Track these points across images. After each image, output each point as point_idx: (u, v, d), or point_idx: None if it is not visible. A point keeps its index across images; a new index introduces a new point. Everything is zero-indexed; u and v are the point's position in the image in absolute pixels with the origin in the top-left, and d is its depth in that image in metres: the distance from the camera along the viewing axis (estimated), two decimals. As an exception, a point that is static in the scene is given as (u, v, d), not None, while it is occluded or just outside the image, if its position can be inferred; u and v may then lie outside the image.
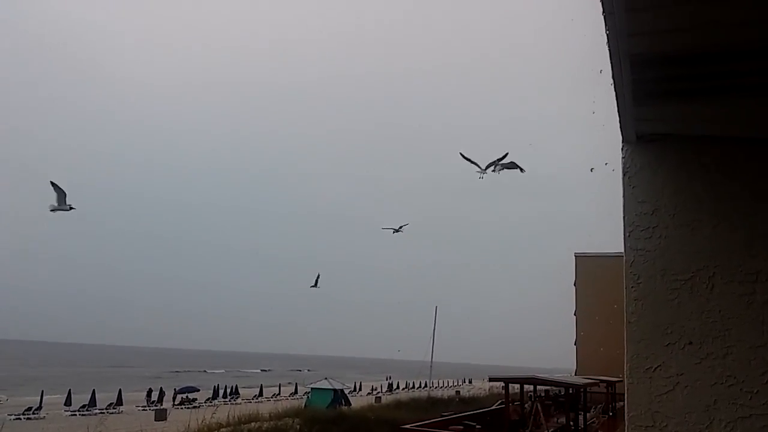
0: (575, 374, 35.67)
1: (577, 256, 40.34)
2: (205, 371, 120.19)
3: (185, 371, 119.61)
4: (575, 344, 39.88)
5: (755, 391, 2.69)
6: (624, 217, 2.97)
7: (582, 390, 21.83)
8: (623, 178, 3.00)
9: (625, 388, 2.90)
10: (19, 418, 41.38)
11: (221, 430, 22.06)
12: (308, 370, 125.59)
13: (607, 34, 2.12)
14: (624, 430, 2.99)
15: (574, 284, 40.22)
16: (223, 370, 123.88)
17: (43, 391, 47.78)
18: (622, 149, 3.03)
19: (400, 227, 23.61)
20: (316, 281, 26.17)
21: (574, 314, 40.10)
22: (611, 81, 2.45)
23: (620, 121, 2.83)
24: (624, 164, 3.01)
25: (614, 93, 2.53)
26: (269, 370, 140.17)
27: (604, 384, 26.82)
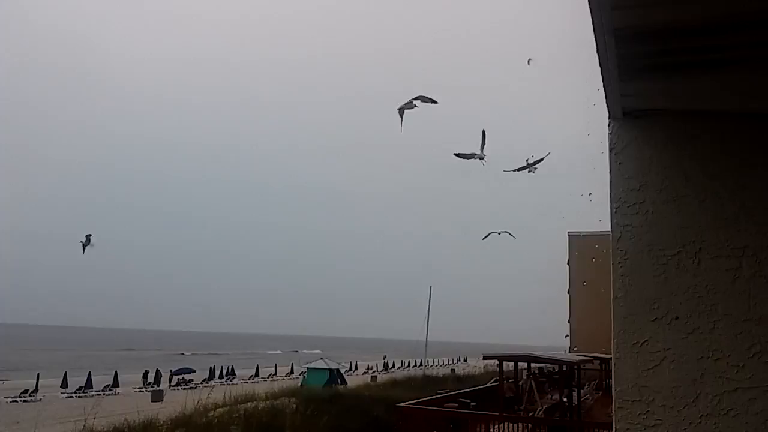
0: (569, 352, 35.94)
1: (570, 235, 40.47)
2: (212, 353, 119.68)
3: (192, 353, 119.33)
4: (569, 322, 40.17)
5: (741, 365, 2.70)
6: (611, 194, 2.96)
7: (576, 367, 21.96)
8: (610, 155, 2.98)
9: (612, 363, 2.90)
10: (16, 401, 41.71)
11: (217, 410, 22.14)
12: (321, 351, 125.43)
13: (591, 8, 2.09)
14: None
15: (568, 263, 40.41)
16: (230, 352, 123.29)
17: (39, 374, 48.10)
18: (608, 125, 3.00)
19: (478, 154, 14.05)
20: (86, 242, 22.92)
21: (568, 292, 40.35)
22: (596, 56, 2.42)
23: (606, 97, 2.80)
24: (611, 140, 2.99)
25: (599, 68, 2.50)
26: (293, 351, 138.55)
27: (598, 361, 27.05)
